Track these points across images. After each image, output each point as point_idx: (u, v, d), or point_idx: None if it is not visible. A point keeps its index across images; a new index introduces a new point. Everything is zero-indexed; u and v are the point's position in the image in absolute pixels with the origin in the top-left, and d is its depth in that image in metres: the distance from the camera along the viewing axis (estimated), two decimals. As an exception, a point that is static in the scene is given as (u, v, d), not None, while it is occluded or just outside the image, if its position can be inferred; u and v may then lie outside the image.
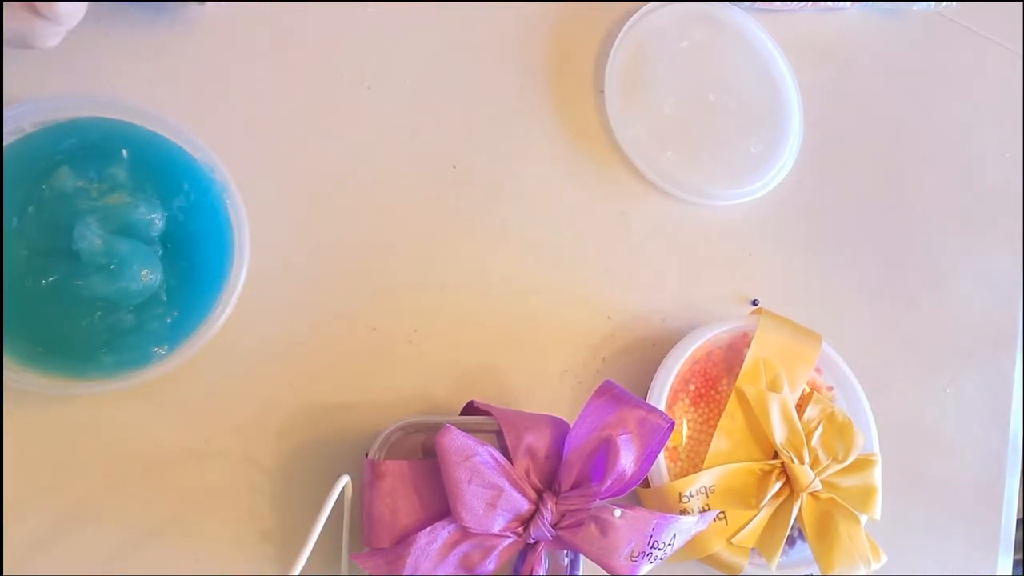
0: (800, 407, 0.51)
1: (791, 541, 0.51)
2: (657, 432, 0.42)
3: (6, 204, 0.40)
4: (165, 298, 0.42)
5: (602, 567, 0.42)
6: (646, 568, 0.42)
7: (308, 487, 0.46)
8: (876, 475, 0.51)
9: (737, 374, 0.50)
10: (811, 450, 0.50)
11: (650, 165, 0.54)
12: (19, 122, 0.41)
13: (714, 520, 0.48)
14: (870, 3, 0.62)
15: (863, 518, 0.50)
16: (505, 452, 0.42)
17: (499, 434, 0.44)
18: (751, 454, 0.50)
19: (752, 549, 0.49)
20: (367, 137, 0.50)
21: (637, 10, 0.55)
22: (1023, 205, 0.64)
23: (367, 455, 0.43)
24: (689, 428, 0.50)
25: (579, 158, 0.54)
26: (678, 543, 0.43)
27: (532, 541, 0.42)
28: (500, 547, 0.41)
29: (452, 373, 0.49)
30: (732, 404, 0.50)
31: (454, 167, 0.51)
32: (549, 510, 0.42)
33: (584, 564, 0.45)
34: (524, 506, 0.41)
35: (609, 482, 0.42)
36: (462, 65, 0.52)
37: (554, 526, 0.42)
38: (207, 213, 0.43)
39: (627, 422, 0.42)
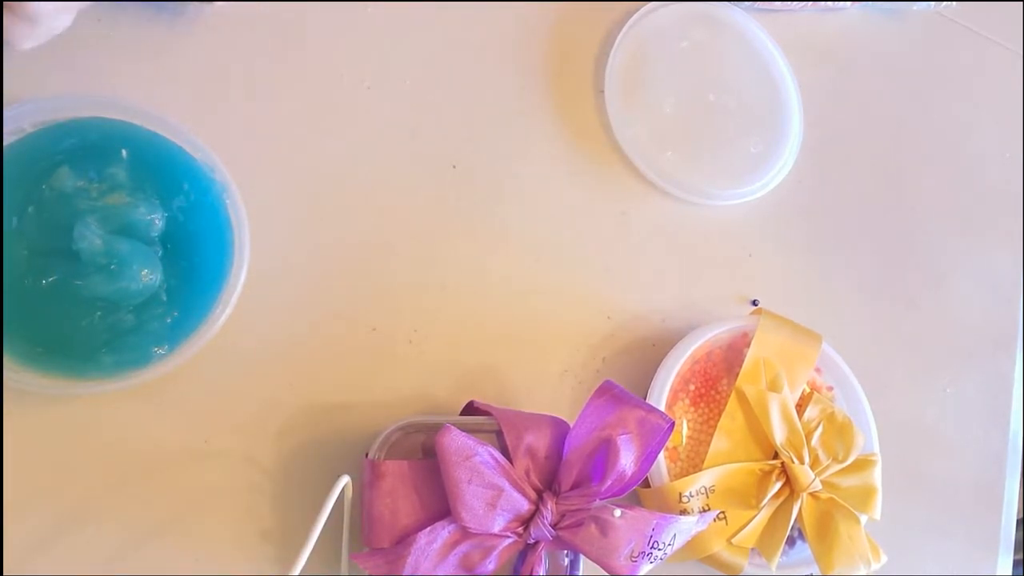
0: (800, 407, 0.51)
1: (791, 541, 0.51)
2: (657, 432, 0.42)
3: (6, 204, 0.40)
4: (165, 298, 0.42)
5: (602, 567, 0.42)
6: (646, 568, 0.42)
7: (308, 487, 0.46)
8: (876, 475, 0.51)
9: (737, 374, 0.50)
10: (811, 450, 0.50)
11: (650, 165, 0.54)
12: (19, 122, 0.41)
13: (714, 520, 0.48)
14: (870, 3, 0.61)
15: (863, 518, 0.50)
16: (505, 452, 0.42)
17: (499, 434, 0.44)
18: (751, 454, 0.50)
19: (752, 549, 0.49)
20: (367, 137, 0.50)
21: (637, 10, 0.55)
22: (1023, 205, 0.64)
23: (367, 455, 0.43)
24: (689, 428, 0.50)
25: (579, 158, 0.54)
26: (678, 543, 0.43)
27: (532, 541, 0.42)
28: (500, 547, 0.41)
29: (452, 373, 0.49)
30: (732, 404, 0.50)
31: (454, 167, 0.51)
32: (549, 510, 0.42)
33: (584, 564, 0.45)
34: (524, 506, 0.41)
35: (609, 482, 0.42)
36: (462, 65, 0.52)
37: (554, 526, 0.42)
38: (207, 213, 0.43)
39: (627, 422, 0.42)
